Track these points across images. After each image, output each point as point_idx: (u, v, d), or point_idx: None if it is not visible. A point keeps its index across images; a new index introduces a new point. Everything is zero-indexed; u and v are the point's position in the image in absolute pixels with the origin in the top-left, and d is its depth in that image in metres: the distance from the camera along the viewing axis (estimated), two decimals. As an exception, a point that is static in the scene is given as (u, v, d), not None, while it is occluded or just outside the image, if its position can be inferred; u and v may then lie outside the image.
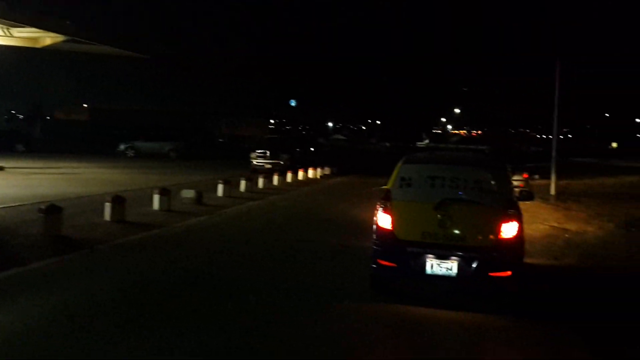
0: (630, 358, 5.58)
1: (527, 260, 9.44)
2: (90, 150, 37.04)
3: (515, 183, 17.32)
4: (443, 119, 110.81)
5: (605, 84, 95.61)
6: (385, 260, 7.14)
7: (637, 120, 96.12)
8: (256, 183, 21.06)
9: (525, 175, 19.83)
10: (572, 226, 13.75)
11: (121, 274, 8.08)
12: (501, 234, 6.84)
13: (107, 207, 12.11)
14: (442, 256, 6.89)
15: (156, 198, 14.09)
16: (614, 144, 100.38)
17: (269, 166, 28.29)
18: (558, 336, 6.18)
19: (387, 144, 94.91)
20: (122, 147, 37.30)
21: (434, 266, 6.91)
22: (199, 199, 15.51)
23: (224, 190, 17.70)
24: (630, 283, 8.51)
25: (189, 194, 15.69)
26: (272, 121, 79.06)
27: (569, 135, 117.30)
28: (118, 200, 12.31)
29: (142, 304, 6.74)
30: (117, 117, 59.23)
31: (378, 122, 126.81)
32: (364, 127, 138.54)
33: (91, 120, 64.97)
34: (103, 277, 7.84)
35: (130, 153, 36.78)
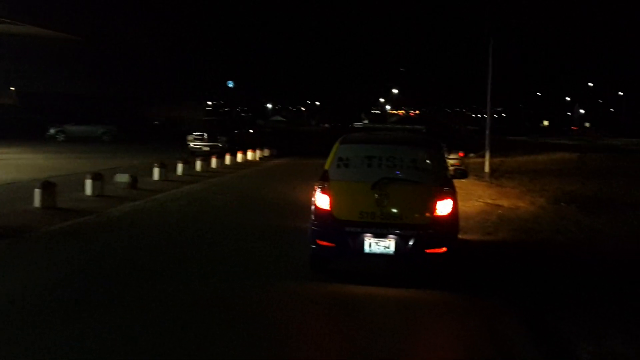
0: (552, 322, 5.82)
1: (462, 236, 9.71)
2: (19, 135, 35.55)
3: (451, 162, 17.82)
4: (382, 100, 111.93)
5: (537, 63, 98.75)
6: (324, 240, 7.18)
7: (567, 98, 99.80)
8: (194, 166, 20.77)
9: (461, 154, 20.30)
10: (505, 202, 14.20)
11: (48, 263, 7.80)
12: (436, 211, 6.99)
13: (37, 193, 11.67)
14: (380, 235, 6.98)
15: (88, 183, 13.68)
16: (545, 122, 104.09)
17: (206, 149, 27.95)
18: (491, 307, 6.40)
19: (327, 125, 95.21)
20: (52, 131, 35.97)
21: (372, 245, 7.00)
22: (133, 183, 15.15)
23: (160, 174, 17.36)
24: (559, 254, 8.87)
25: (123, 178, 15.30)
26: (209, 103, 77.87)
27: (503, 114, 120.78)
28: (48, 186, 11.89)
29: (68, 294, 6.52)
30: (47, 100, 56.98)
31: (317, 103, 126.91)
32: (303, 109, 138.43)
33: (19, 104, 62.27)
34: (28, 267, 7.55)
35: (61, 137, 35.56)
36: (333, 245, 7.13)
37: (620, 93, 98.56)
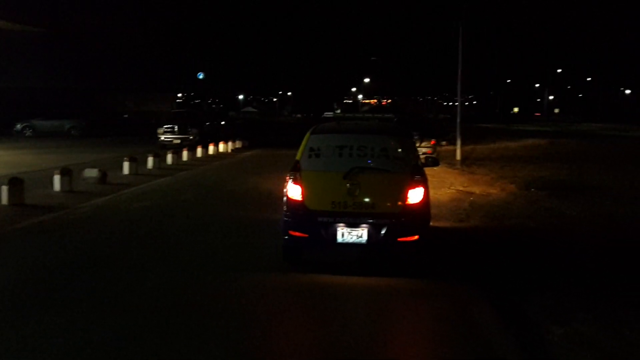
0: (523, 306, 5.91)
1: (435, 223, 9.79)
2: (-17, 131, 34.81)
3: (423, 150, 17.94)
4: (354, 89, 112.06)
5: (507, 50, 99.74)
6: (297, 231, 7.17)
7: (537, 85, 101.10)
8: (164, 159, 20.57)
9: (433, 142, 20.43)
10: (476, 189, 14.35)
11: (13, 261, 7.67)
12: (408, 199, 7.02)
13: (4, 190, 11.46)
14: (352, 224, 6.99)
15: (57, 179, 13.46)
16: (515, 109, 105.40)
17: (177, 141, 27.69)
18: (463, 293, 6.47)
19: (299, 116, 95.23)
20: (18, 126, 35.28)
21: (345, 234, 7.01)
22: (103, 178, 14.94)
23: (130, 168, 17.16)
24: (530, 240, 9.00)
25: (92, 173, 15.08)
26: (179, 95, 77.12)
27: (474, 102, 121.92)
28: (16, 183, 11.67)
29: (36, 290, 6.43)
30: (12, 95, 55.81)
31: (289, 93, 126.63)
32: (275, 99, 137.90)
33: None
34: (-1, 265, 7.42)
35: (28, 132, 34.94)
36: (306, 235, 7.13)
37: (589, 79, 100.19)
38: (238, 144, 30.84)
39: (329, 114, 9.06)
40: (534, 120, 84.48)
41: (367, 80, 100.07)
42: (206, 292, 6.43)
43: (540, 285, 6.58)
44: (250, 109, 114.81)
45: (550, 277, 6.91)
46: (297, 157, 7.40)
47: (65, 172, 13.59)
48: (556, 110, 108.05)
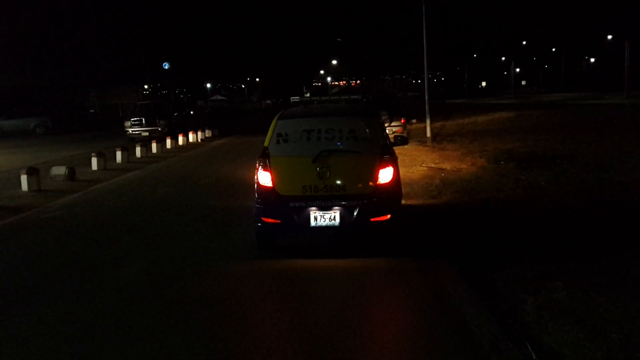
0: (497, 278, 6.02)
1: (408, 201, 9.90)
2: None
3: (393, 129, 18.02)
4: (322, 72, 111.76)
5: (472, 25, 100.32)
6: (269, 217, 7.17)
7: (503, 58, 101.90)
8: (133, 153, 20.37)
9: (403, 121, 20.53)
10: (447, 165, 14.49)
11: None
12: (378, 180, 7.06)
13: (-33, 194, 11.24)
14: (325, 207, 7.02)
15: (24, 178, 13.24)
16: (483, 83, 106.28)
17: (145, 134, 27.43)
18: (436, 268, 6.56)
19: (268, 101, 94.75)
20: (-20, 127, 34.56)
21: (318, 218, 7.03)
22: (71, 175, 14.74)
23: (99, 164, 16.97)
24: (500, 211, 9.14)
25: (59, 170, 14.86)
26: (146, 87, 76.09)
27: (442, 79, 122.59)
28: (-21, 186, 11.45)
29: (6, 294, 6.35)
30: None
31: (257, 79, 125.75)
32: (243, 86, 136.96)
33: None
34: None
35: (-9, 133, 34.24)
36: (278, 221, 7.14)
37: (553, 49, 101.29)
38: (208, 133, 30.64)
39: (295, 98, 9.05)
40: (502, 93, 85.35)
41: (334, 62, 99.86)
42: (182, 283, 6.42)
43: (511, 256, 6.70)
44: (218, 97, 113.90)
45: (521, 248, 7.02)
46: (266, 144, 7.38)
47: (32, 171, 13.37)
48: (523, 83, 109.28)
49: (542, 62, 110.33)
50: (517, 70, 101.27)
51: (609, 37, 77.51)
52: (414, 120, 29.28)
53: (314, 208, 7.02)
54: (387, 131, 8.08)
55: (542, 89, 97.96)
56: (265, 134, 7.50)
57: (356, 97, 9.22)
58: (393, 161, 7.23)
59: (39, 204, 11.62)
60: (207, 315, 5.43)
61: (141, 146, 20.93)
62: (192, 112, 39.07)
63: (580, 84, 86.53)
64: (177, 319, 5.37)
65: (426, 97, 22.71)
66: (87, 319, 5.49)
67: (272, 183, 7.12)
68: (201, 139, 28.69)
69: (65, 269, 7.20)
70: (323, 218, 7.03)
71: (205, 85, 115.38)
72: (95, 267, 7.17)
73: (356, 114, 7.90)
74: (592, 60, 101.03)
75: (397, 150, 8.29)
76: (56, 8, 53.03)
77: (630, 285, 5.58)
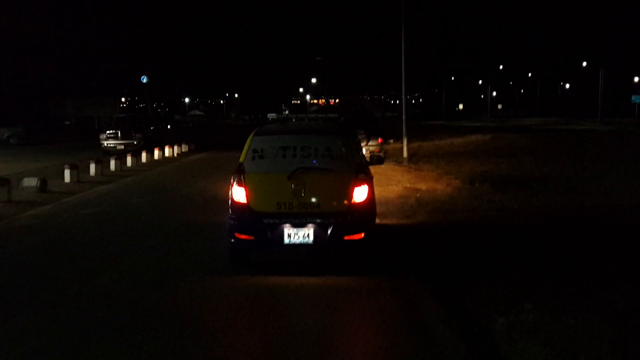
0: (467, 298, 6.06)
1: (382, 220, 9.94)
2: None
3: (370, 148, 18.14)
4: (301, 90, 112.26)
5: (451, 48, 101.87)
6: (243, 233, 7.15)
7: (480, 82, 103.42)
8: (108, 166, 20.18)
9: (380, 140, 20.66)
10: (422, 185, 14.60)
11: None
12: (353, 198, 7.09)
13: None
14: (299, 224, 7.02)
15: (-7, 189, 13.01)
16: (460, 106, 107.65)
17: (121, 147, 27.23)
18: (409, 288, 6.58)
19: (246, 117, 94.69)
20: (-48, 137, 33.99)
21: (292, 235, 7.03)
22: (43, 187, 14.55)
23: (72, 176, 16.77)
24: (474, 232, 9.22)
25: (31, 182, 14.65)
26: (123, 100, 75.60)
27: (420, 100, 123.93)
28: (-53, 195, 11.24)
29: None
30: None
31: (236, 95, 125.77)
32: (222, 102, 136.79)
33: None
34: None
35: (-37, 143, 33.68)
36: (252, 238, 7.12)
37: (529, 74, 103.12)
38: (184, 148, 30.51)
39: (272, 115, 9.08)
40: (478, 116, 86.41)
41: (314, 80, 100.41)
42: (150, 299, 6.35)
43: (483, 277, 6.76)
44: (196, 112, 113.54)
45: (492, 268, 7.09)
46: (241, 160, 7.38)
47: (3, 182, 13.18)
48: (499, 106, 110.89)
49: (518, 87, 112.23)
50: (494, 93, 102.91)
51: (584, 63, 79.16)
52: (391, 140, 29.46)
53: (287, 225, 7.02)
54: (363, 150, 8.14)
55: (518, 113, 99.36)
56: (242, 149, 7.50)
57: (333, 115, 9.29)
58: (368, 180, 7.28)
59: (8, 215, 11.44)
60: (175, 332, 5.37)
61: (116, 159, 20.75)
62: (169, 127, 38.83)
63: (555, 109, 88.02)
64: (144, 336, 5.29)
65: (404, 118, 22.91)
66: (51, 334, 5.39)
67: (247, 199, 7.11)
68: (177, 154, 28.54)
69: (32, 282, 7.08)
70: (297, 235, 7.03)
71: (184, 100, 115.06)
72: (62, 281, 7.06)
73: (332, 132, 7.95)
74: (567, 85, 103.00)
75: (373, 169, 8.33)
76: (34, 16, 52.62)
77: (598, 307, 5.66)
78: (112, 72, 68.79)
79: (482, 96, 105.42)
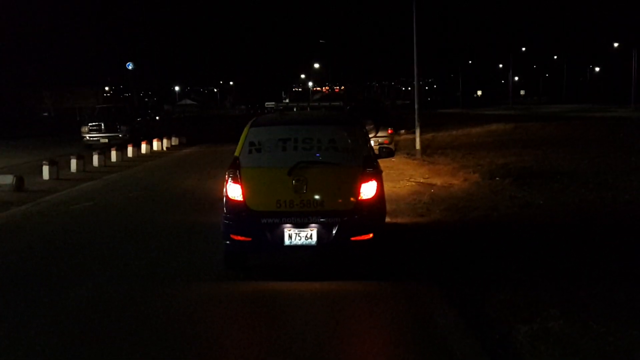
0: (487, 305, 6.04)
1: (393, 219, 9.94)
2: None
3: (380, 139, 18.13)
4: (303, 76, 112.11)
5: (467, 29, 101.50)
6: (239, 234, 7.14)
7: (500, 65, 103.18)
8: (90, 161, 20.24)
9: (390, 131, 20.66)
10: (437, 180, 14.59)
11: None
12: (360, 195, 7.06)
13: None
14: (300, 224, 6.99)
15: (-36, 188, 13.06)
16: (479, 92, 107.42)
17: (104, 141, 27.32)
18: (422, 294, 6.56)
19: (244, 107, 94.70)
20: None
21: (293, 236, 7.01)
22: (19, 185, 14.60)
23: (51, 173, 16.83)
24: (494, 232, 9.20)
25: (5, 180, 14.72)
26: (107, 89, 75.73)
27: (434, 86, 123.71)
28: None
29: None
30: None
31: (231, 83, 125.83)
32: (216, 90, 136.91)
33: None
34: None
35: None
36: (249, 239, 7.11)
37: (555, 57, 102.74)
38: (175, 141, 30.55)
39: (270, 104, 9.06)
40: (499, 103, 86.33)
41: (317, 65, 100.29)
42: (140, 306, 6.34)
43: (504, 280, 6.73)
44: (188, 101, 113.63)
45: (515, 271, 7.06)
46: (236, 153, 7.35)
47: (-25, 180, 13.21)
48: (522, 92, 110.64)
49: (542, 71, 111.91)
50: (516, 78, 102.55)
51: (615, 45, 78.86)
52: (403, 131, 29.47)
53: (288, 225, 7.00)
54: (371, 142, 8.11)
55: (543, 100, 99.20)
56: (237, 142, 7.48)
57: (338, 104, 9.26)
58: (377, 175, 7.25)
59: (-19, 217, 11.47)
60: (168, 342, 5.37)
61: (99, 154, 20.80)
62: (157, 118, 38.89)
63: (583, 95, 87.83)
64: (134, 345, 5.30)
65: (416, 106, 22.84)
66: (32, 344, 5.39)
67: (243, 197, 7.09)
68: (167, 147, 28.58)
69: (8, 288, 7.09)
70: (298, 236, 7.01)
71: (174, 88, 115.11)
72: (42, 288, 7.06)
73: (337, 122, 7.92)
74: (597, 69, 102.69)
75: (383, 163, 8.32)
76: (6, 1, 52.63)
77: (632, 314, 5.63)
78: (94, 60, 68.83)
79: (503, 81, 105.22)
